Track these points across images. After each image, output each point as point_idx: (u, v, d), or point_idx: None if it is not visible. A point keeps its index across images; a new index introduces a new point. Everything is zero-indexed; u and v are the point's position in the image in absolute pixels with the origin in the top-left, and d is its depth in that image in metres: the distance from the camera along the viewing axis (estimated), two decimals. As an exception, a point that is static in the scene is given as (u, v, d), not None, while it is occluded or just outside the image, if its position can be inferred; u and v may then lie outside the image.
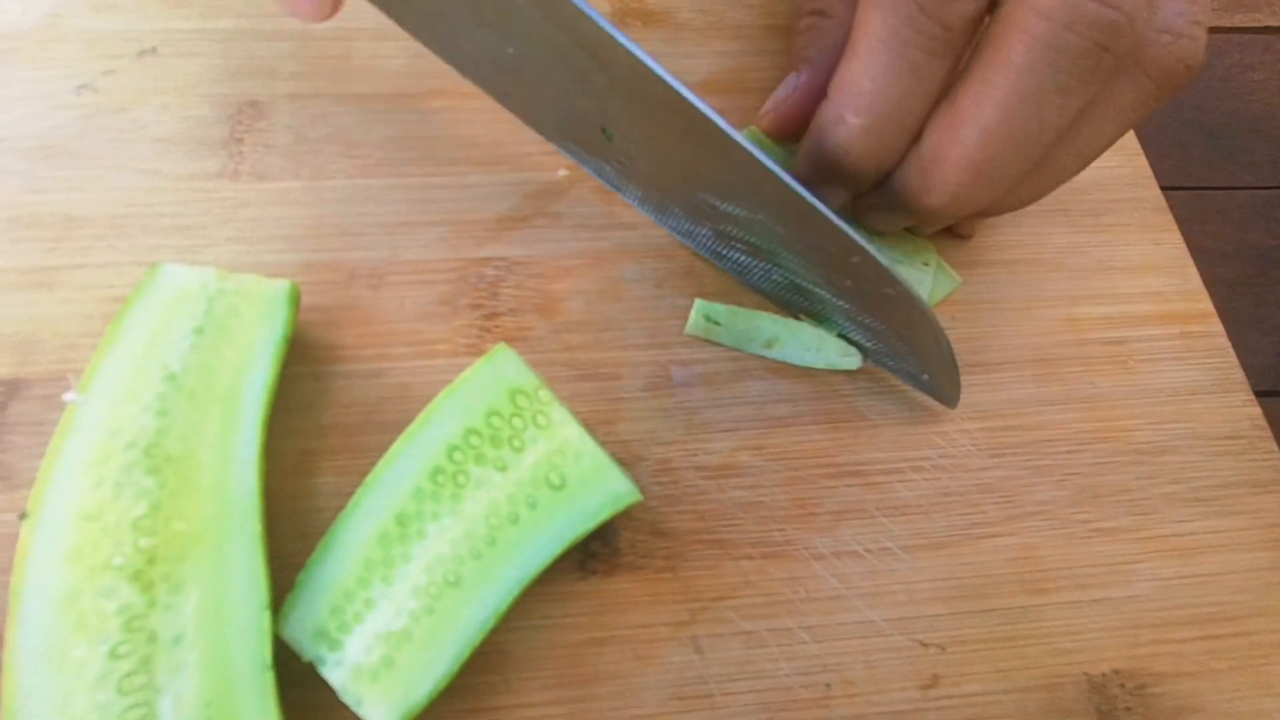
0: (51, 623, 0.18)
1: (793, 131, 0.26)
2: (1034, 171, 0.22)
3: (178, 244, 0.26)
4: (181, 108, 0.28)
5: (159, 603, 0.18)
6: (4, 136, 0.27)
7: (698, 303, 0.26)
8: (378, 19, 0.31)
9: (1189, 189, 0.36)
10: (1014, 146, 0.20)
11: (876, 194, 0.24)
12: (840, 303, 0.24)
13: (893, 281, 0.21)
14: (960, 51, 0.20)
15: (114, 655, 0.17)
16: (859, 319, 0.24)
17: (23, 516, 0.19)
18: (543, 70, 0.22)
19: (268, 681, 0.18)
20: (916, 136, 0.21)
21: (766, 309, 0.26)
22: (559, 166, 0.29)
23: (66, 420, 0.20)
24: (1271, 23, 0.39)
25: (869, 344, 0.25)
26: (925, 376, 0.25)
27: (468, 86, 0.30)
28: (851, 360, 0.25)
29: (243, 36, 0.30)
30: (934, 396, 0.25)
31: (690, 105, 0.19)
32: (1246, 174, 0.36)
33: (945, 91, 0.21)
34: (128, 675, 0.17)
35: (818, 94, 0.23)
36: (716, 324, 0.25)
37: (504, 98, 0.25)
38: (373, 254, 0.26)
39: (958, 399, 0.25)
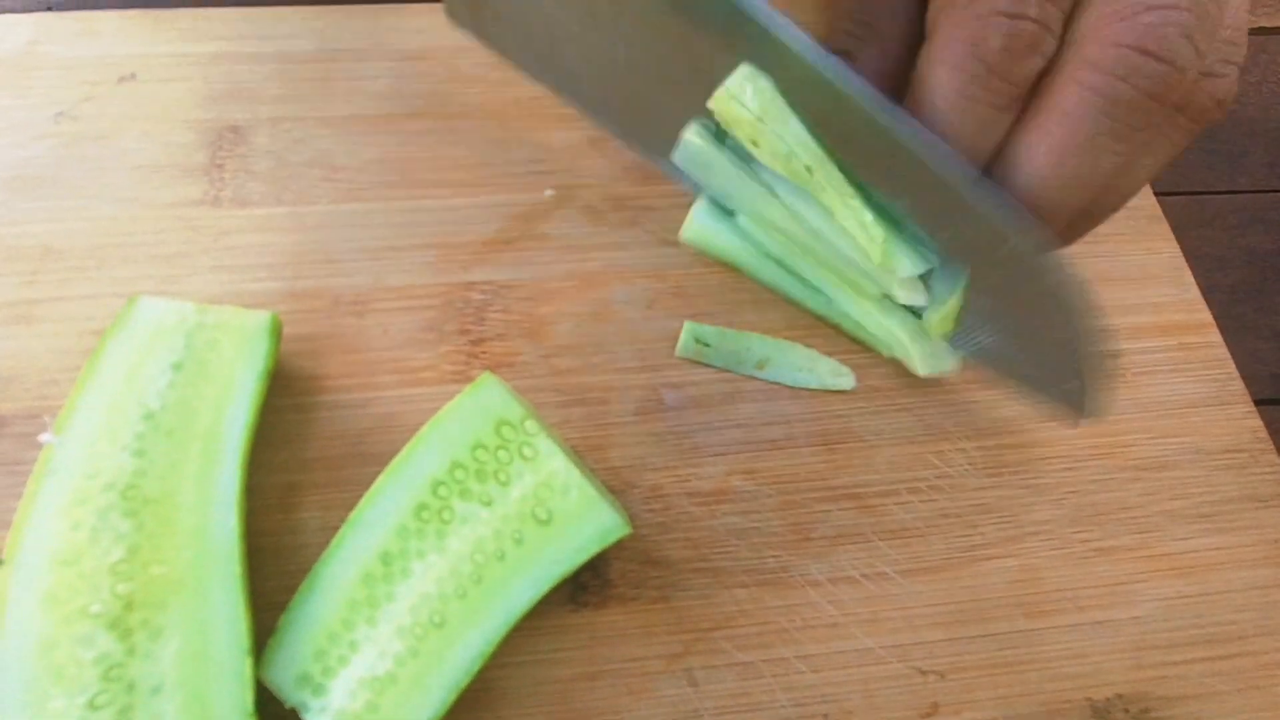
0: (29, 672, 0.17)
1: None
2: (1090, 208, 0.22)
3: (158, 274, 0.25)
4: (162, 134, 0.28)
5: (137, 650, 0.18)
6: (-19, 167, 0.27)
7: (687, 325, 0.25)
8: (358, 40, 0.31)
9: (1186, 194, 0.35)
10: (1066, 190, 0.20)
11: None
12: (982, 300, 0.22)
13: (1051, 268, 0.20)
14: (1023, 104, 0.20)
15: (92, 706, 0.17)
16: (1000, 318, 0.22)
17: (-2, 563, 0.19)
18: (659, 72, 0.22)
19: (249, 731, 0.17)
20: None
21: (756, 330, 0.26)
22: (545, 186, 0.28)
23: (43, 462, 0.20)
24: (1265, 24, 0.39)
25: (1000, 346, 0.23)
26: (1067, 386, 0.23)
27: (450, 107, 0.30)
28: (845, 380, 0.25)
29: (224, 60, 0.30)
30: (1065, 406, 0.23)
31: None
32: (1243, 178, 0.36)
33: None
34: (105, 727, 0.17)
35: None
36: (706, 345, 0.25)
37: (606, 112, 0.25)
38: (356, 280, 0.26)
39: (1096, 410, 0.23)
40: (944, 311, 0.22)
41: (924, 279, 0.21)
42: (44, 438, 0.20)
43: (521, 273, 0.27)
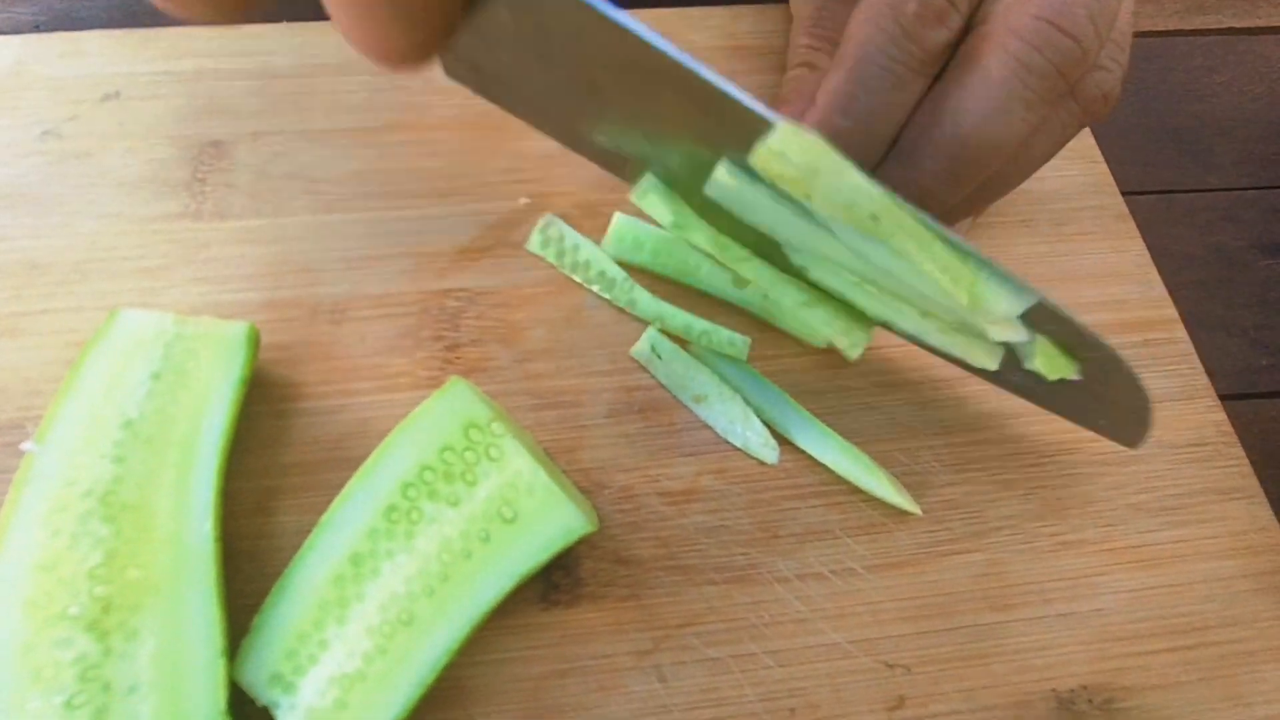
0: (8, 675, 0.18)
1: None
2: (990, 180, 0.23)
3: (140, 287, 0.26)
4: (145, 150, 0.29)
5: (114, 652, 0.18)
6: (-31, 185, 0.27)
7: (650, 330, 0.26)
8: (336, 54, 0.31)
9: (1155, 193, 0.36)
10: (983, 151, 0.21)
11: None
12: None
13: (1086, 336, 0.21)
14: (935, 70, 0.22)
15: (70, 706, 0.18)
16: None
17: (-20, 569, 0.19)
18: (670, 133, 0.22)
19: (223, 729, 0.18)
20: (893, 142, 0.23)
21: (709, 365, 0.26)
22: (520, 195, 0.29)
23: (24, 470, 0.20)
24: (1233, 24, 0.40)
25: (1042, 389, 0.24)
26: (1103, 421, 0.24)
27: (427, 119, 0.30)
28: (769, 453, 0.24)
29: (205, 76, 0.30)
30: (1110, 437, 0.25)
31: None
32: (1213, 176, 0.36)
33: (922, 100, 0.22)
34: (82, 726, 0.17)
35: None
36: (659, 357, 0.25)
37: (613, 163, 0.25)
38: (335, 289, 0.27)
39: (1143, 439, 0.24)
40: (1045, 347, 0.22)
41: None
42: (25, 446, 0.20)
43: (496, 280, 0.27)
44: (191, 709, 0.18)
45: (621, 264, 0.27)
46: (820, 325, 0.25)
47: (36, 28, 0.35)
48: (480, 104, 0.31)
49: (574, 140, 0.25)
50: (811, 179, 0.19)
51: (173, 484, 0.20)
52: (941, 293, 0.20)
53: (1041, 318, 0.21)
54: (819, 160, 0.19)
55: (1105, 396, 0.23)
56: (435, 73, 0.31)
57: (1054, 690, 0.23)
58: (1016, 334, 0.21)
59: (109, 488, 0.20)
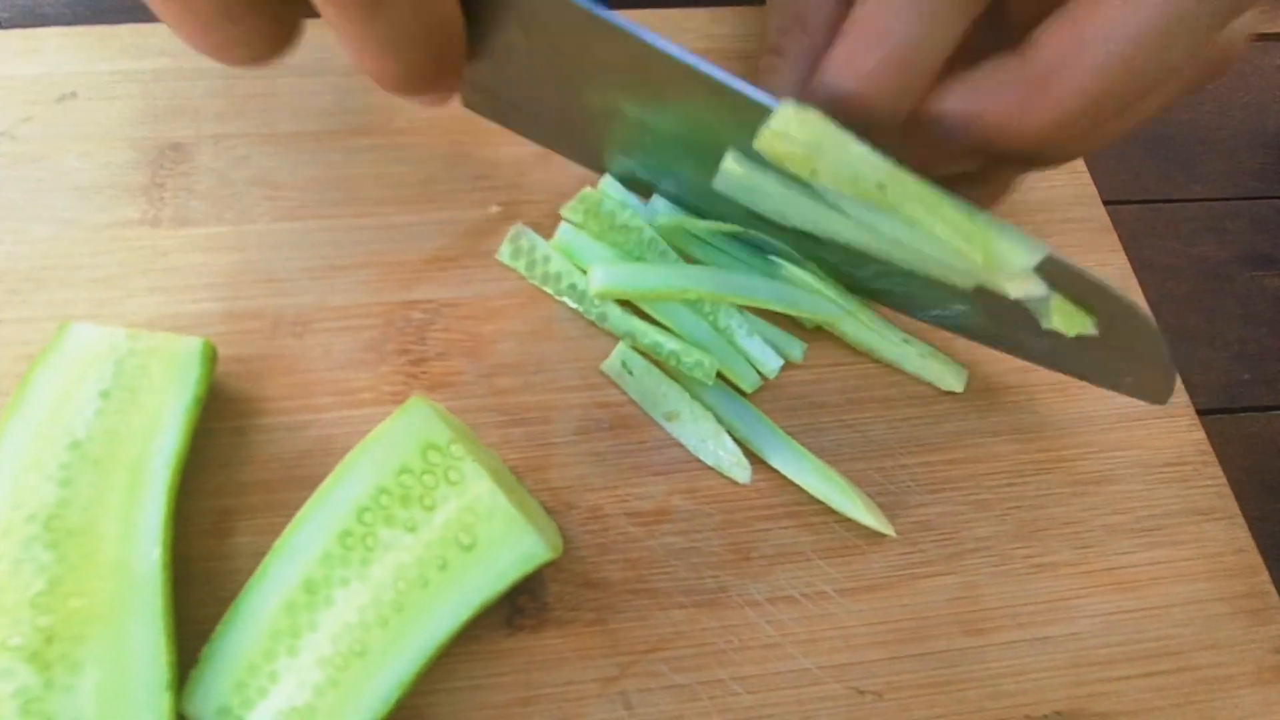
0: (-56, 708, 0.17)
1: None
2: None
3: (96, 297, 0.25)
4: (102, 153, 0.28)
5: (56, 684, 0.18)
6: (-83, 189, 0.26)
7: (621, 345, 0.25)
8: (302, 55, 0.30)
9: (1139, 203, 0.35)
10: (1142, 77, 0.18)
11: (913, 131, 0.21)
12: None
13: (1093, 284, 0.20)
14: (978, 13, 0.19)
15: (6, 743, 0.17)
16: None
17: (-84, 597, 0.18)
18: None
19: (167, 765, 0.17)
20: (928, 88, 0.20)
21: (681, 381, 0.25)
22: (490, 203, 0.28)
23: (-35, 493, 0.19)
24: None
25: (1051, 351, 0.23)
26: (1129, 379, 0.24)
27: (396, 123, 0.29)
28: (742, 473, 0.24)
29: (166, 76, 0.29)
30: (1137, 396, 0.24)
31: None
32: (1197, 185, 0.36)
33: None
34: (19, 764, 0.17)
35: None
36: (630, 373, 0.25)
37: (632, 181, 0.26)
38: (297, 300, 0.26)
39: (1169, 393, 0.23)
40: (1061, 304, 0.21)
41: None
42: (-34, 468, 0.20)
43: (464, 290, 0.27)
44: (134, 745, 0.17)
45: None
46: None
47: (1, 25, 0.34)
48: (450, 109, 0.30)
49: (593, 161, 0.25)
50: (815, 155, 0.19)
51: (120, 508, 0.19)
52: (955, 254, 0.20)
53: (1053, 274, 0.20)
54: (820, 135, 0.19)
55: (1125, 350, 0.22)
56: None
57: (1027, 716, 0.22)
58: (1035, 287, 0.20)
59: (53, 511, 0.19)
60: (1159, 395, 0.24)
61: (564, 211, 0.27)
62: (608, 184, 0.27)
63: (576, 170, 0.29)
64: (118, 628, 0.18)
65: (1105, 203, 0.32)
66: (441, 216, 0.28)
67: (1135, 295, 0.29)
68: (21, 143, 0.28)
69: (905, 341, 0.26)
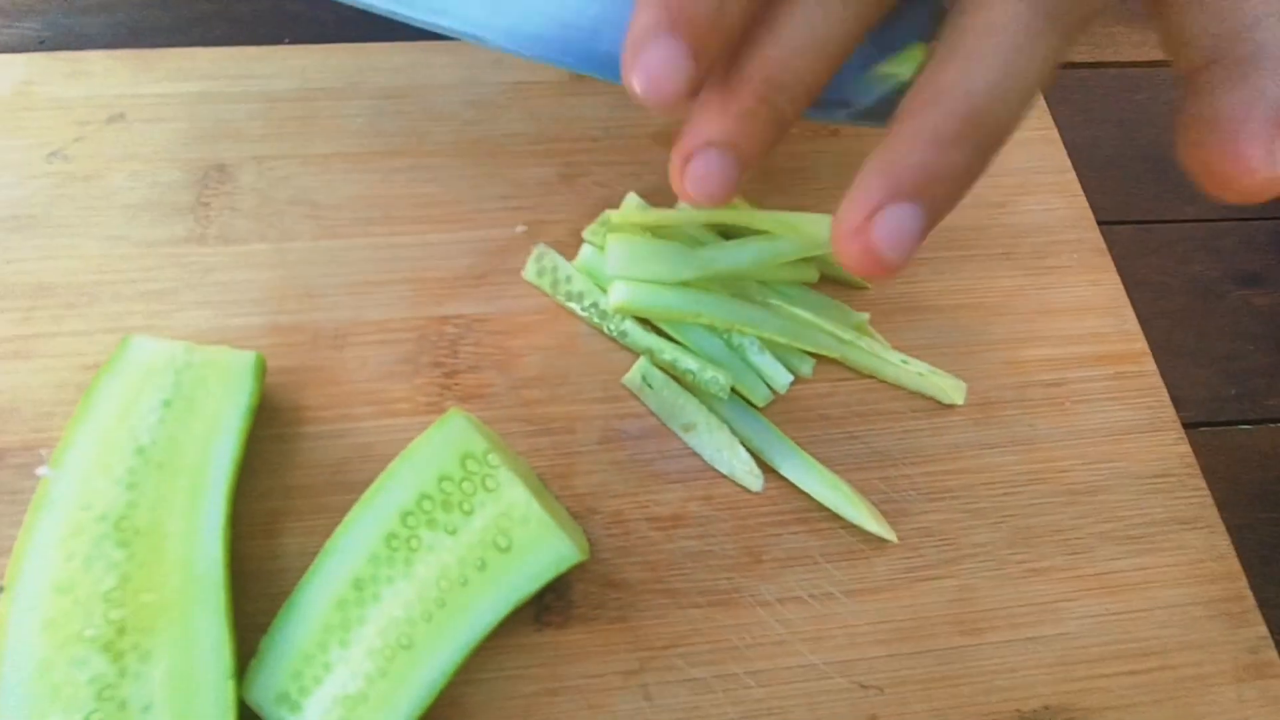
0: (29, 692, 0.19)
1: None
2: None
3: (147, 310, 0.27)
4: (150, 173, 0.29)
5: (129, 672, 0.19)
6: (-22, 206, 0.28)
7: (641, 360, 0.27)
8: (337, 79, 0.32)
9: (1135, 223, 0.37)
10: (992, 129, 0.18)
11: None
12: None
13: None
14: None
15: (85, 724, 0.19)
16: None
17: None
18: None
19: (232, 745, 0.19)
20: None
21: (698, 395, 0.27)
22: (517, 222, 0.30)
23: (40, 494, 0.21)
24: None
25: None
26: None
27: (426, 145, 0.31)
28: (754, 481, 0.26)
29: (209, 99, 0.31)
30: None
31: None
32: (1189, 206, 0.38)
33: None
34: (98, 744, 0.18)
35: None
36: (650, 387, 0.26)
37: None
38: (337, 314, 0.28)
39: None
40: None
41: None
42: (40, 471, 0.21)
43: (493, 307, 0.28)
44: (202, 728, 0.19)
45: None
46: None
47: (41, 43, 0.35)
48: (478, 130, 0.32)
49: None
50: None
51: (183, 509, 0.21)
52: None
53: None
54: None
55: None
56: (435, 99, 0.32)
57: (1018, 710, 0.24)
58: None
59: (122, 512, 0.21)
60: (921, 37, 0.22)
61: (586, 234, 0.29)
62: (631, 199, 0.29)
63: (598, 191, 0.30)
64: (184, 620, 0.20)
65: (1101, 223, 0.34)
66: (471, 235, 0.29)
67: (1125, 312, 0.31)
68: (73, 162, 0.29)
69: (904, 362, 0.28)
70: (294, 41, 0.34)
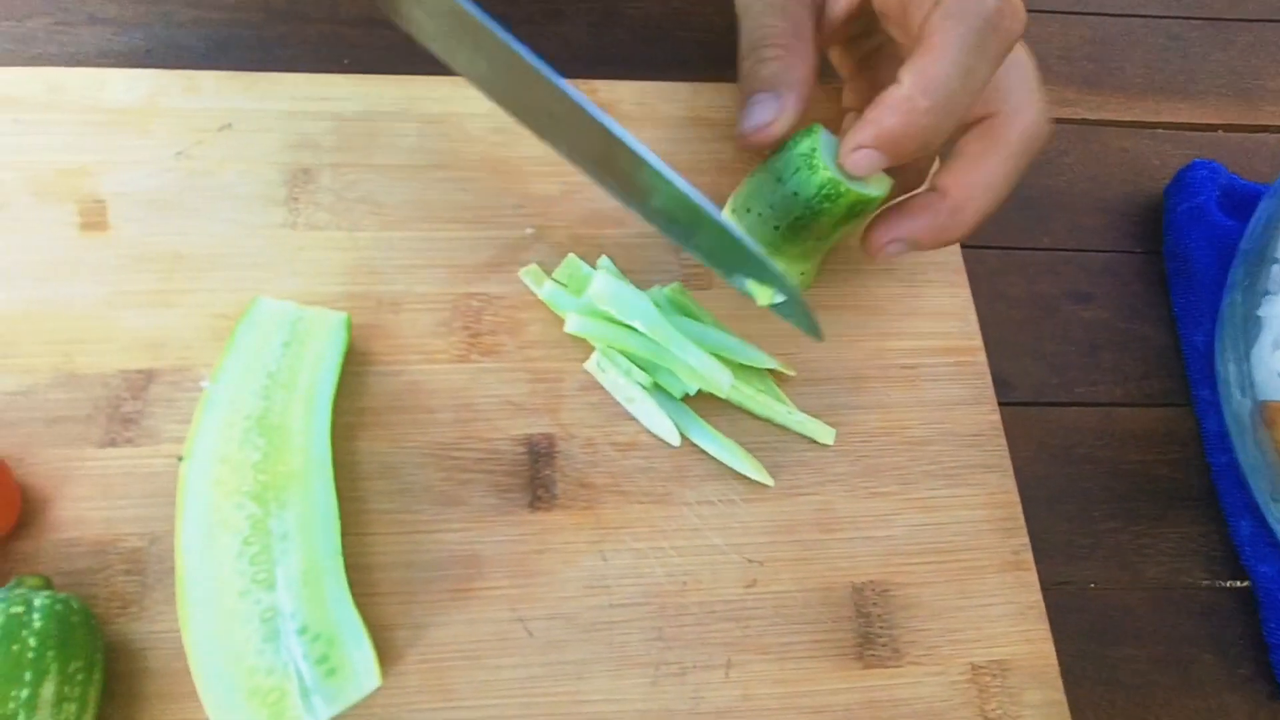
0: (205, 524, 0.29)
1: (773, 145, 0.34)
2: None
3: (256, 276, 0.37)
4: (253, 172, 0.39)
5: (271, 513, 0.30)
6: (126, 192, 0.38)
7: (597, 352, 0.37)
8: (393, 103, 0.42)
9: (1000, 248, 0.48)
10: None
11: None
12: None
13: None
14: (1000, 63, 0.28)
15: (245, 543, 0.29)
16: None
17: (180, 459, 0.30)
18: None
19: (339, 563, 0.30)
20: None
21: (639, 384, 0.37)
22: (527, 225, 0.40)
23: (204, 399, 0.31)
24: (1087, 116, 0.52)
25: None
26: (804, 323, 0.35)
27: (461, 160, 0.41)
28: (673, 439, 0.36)
29: (295, 116, 0.40)
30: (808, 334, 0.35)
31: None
32: (1045, 237, 0.49)
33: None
34: (255, 555, 0.29)
35: (801, 113, 0.34)
36: (602, 371, 0.37)
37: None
38: (393, 288, 0.38)
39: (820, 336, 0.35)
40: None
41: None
42: (204, 384, 0.32)
43: (506, 289, 0.39)
44: (320, 550, 0.29)
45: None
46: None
47: (148, 53, 0.44)
48: (500, 152, 0.42)
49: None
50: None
51: (302, 415, 0.31)
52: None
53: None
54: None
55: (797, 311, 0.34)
56: (468, 125, 0.42)
57: (852, 582, 0.36)
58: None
59: (261, 414, 0.31)
60: (816, 335, 0.35)
61: (555, 274, 0.38)
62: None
63: (591, 204, 0.41)
64: (305, 485, 0.30)
65: (972, 248, 0.45)
66: (491, 234, 0.40)
67: (971, 317, 0.42)
68: (195, 160, 0.39)
69: (790, 414, 0.37)
70: (352, 62, 0.43)
